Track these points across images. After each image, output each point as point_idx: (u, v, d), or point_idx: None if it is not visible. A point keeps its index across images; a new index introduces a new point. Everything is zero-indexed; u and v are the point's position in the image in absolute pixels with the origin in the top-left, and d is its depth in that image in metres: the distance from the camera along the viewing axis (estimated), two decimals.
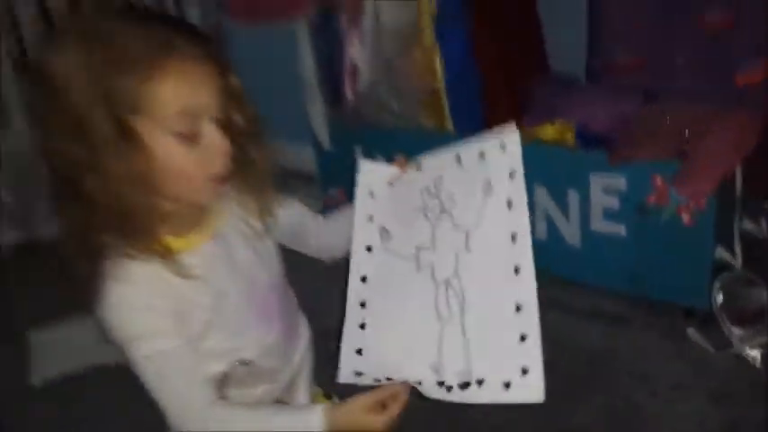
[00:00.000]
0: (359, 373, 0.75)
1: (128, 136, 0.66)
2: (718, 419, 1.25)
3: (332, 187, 2.25)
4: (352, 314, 0.79)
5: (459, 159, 0.79)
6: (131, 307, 0.71)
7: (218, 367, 0.77)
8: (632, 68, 1.42)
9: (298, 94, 2.19)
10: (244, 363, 0.79)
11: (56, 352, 1.76)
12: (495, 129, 0.78)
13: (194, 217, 0.77)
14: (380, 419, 0.71)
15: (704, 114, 1.32)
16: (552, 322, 1.54)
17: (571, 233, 1.69)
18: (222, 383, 0.78)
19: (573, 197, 1.66)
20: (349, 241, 0.85)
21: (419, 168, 0.82)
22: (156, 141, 0.67)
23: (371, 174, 0.85)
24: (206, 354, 0.76)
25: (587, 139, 1.65)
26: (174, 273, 0.72)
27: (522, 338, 0.67)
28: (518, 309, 0.68)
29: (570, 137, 1.66)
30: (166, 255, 0.72)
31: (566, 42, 1.82)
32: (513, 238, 0.71)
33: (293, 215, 0.89)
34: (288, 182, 0.87)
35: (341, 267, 0.84)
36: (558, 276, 1.75)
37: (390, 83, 1.98)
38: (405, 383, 0.72)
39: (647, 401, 1.33)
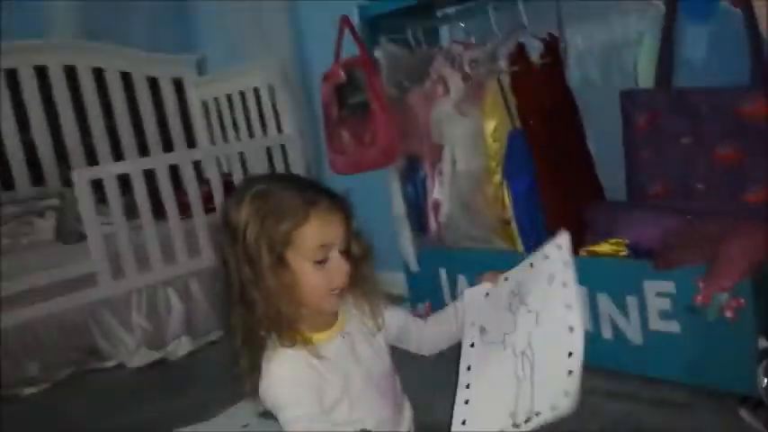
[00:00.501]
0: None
1: (281, 263, 0.99)
2: None
3: (420, 303, 2.60)
4: (460, 394, 1.04)
5: (531, 265, 1.11)
6: (283, 381, 0.99)
7: None
8: (661, 195, 1.75)
9: (390, 227, 2.59)
10: (365, 431, 1.01)
11: None
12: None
13: (327, 318, 1.07)
14: None
15: (725, 226, 1.63)
16: (621, 410, 1.80)
17: (633, 333, 1.96)
18: None
19: (631, 301, 1.94)
20: (444, 338, 1.18)
21: (506, 279, 1.14)
22: (299, 266, 1.00)
23: (472, 293, 1.17)
24: (337, 422, 1.00)
25: (638, 252, 1.96)
26: (313, 355, 1.00)
27: (569, 373, 0.92)
28: (569, 355, 0.94)
29: (623, 250, 1.97)
30: (308, 343, 1.02)
31: (615, 173, 2.18)
32: (568, 307, 1.01)
33: (398, 318, 1.18)
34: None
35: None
36: (624, 372, 2.01)
37: (467, 214, 2.37)
38: None
39: None
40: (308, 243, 0.99)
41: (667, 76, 1.72)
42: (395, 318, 1.18)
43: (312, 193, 1.01)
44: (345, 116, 2.59)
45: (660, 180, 1.73)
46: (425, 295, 2.58)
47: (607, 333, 2.02)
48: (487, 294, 1.16)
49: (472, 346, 1.11)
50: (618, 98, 1.94)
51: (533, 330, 1.01)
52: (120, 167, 3.17)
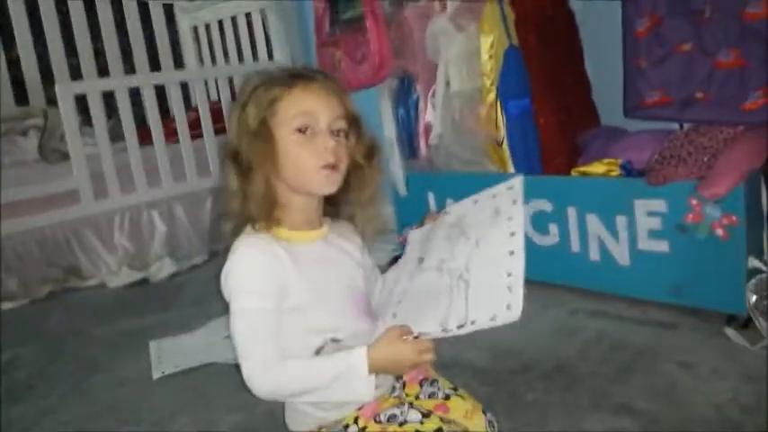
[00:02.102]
0: None
1: (265, 130, 0.95)
2: (749, 393, 1.43)
3: (407, 226, 2.55)
4: (389, 310, 1.02)
5: (475, 201, 1.07)
6: (243, 266, 0.93)
7: (315, 341, 0.96)
8: (659, 104, 1.71)
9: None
10: (335, 340, 0.97)
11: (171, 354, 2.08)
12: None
13: (312, 222, 1.02)
14: (411, 345, 0.91)
15: (722, 136, 1.59)
16: (601, 330, 1.79)
17: (620, 253, 1.93)
18: (315, 355, 0.96)
19: (621, 221, 1.91)
20: None
21: (446, 213, 1.10)
22: (280, 134, 0.96)
23: (415, 233, 1.15)
24: (309, 327, 0.96)
25: (631, 173, 1.93)
26: (287, 251, 0.95)
27: (509, 289, 0.89)
28: (509, 275, 0.91)
29: (616, 170, 1.93)
30: (285, 238, 0.97)
31: (612, 98, 2.14)
32: (512, 234, 0.95)
33: (369, 262, 1.12)
34: None
35: None
36: (610, 293, 2.00)
37: (458, 136, 2.31)
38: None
39: (686, 380, 1.51)
40: (290, 109, 0.96)
41: None
42: (368, 260, 1.13)
43: (305, 70, 1.00)
44: (337, 32, 2.52)
45: (659, 89, 1.68)
46: (413, 220, 2.53)
47: (594, 254, 1.99)
48: (429, 231, 1.13)
49: (408, 275, 1.08)
50: (618, 19, 1.89)
51: (472, 255, 0.99)
52: (105, 84, 3.11)
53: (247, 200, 0.96)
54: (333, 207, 1.06)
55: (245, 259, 0.94)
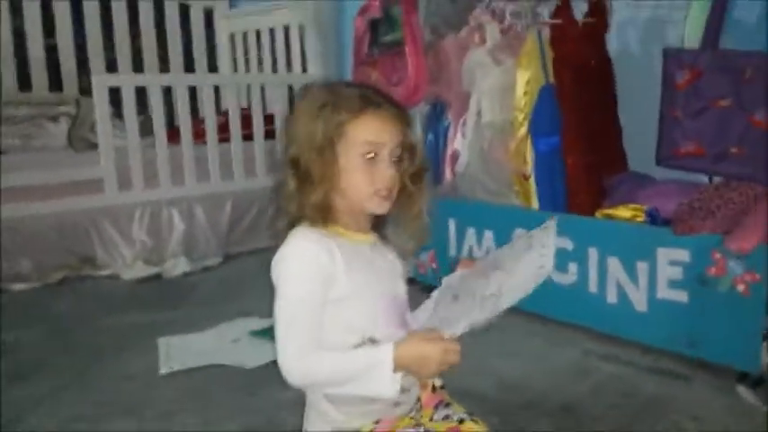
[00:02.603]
0: None
1: (331, 151, 0.98)
2: None
3: (423, 252, 2.57)
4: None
5: (512, 244, 1.09)
6: (296, 255, 0.97)
7: (352, 338, 0.97)
8: (693, 155, 1.72)
9: None
10: (372, 340, 0.98)
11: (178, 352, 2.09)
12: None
13: (363, 226, 1.05)
14: (438, 345, 0.93)
15: (753, 193, 1.60)
16: (612, 374, 1.79)
17: (639, 299, 1.93)
18: None
19: (642, 267, 1.91)
20: None
21: (484, 258, 1.12)
22: (346, 158, 0.99)
23: (449, 278, 1.10)
24: (349, 323, 0.98)
25: (656, 221, 1.93)
26: (338, 246, 0.98)
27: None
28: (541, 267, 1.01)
29: (641, 216, 1.94)
30: (340, 234, 1.01)
31: (642, 146, 2.16)
32: (542, 255, 1.02)
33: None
34: None
35: None
36: (624, 338, 1.99)
37: (486, 166, 2.33)
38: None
39: None
40: (359, 136, 0.99)
41: (714, 38, 1.68)
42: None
43: (373, 94, 1.02)
44: (376, 54, 2.56)
45: (694, 140, 1.69)
46: (430, 244, 2.55)
47: (612, 297, 1.99)
48: (463, 276, 1.14)
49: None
50: (655, 70, 1.92)
51: (505, 280, 1.03)
52: (140, 79, 3.15)
53: (304, 205, 0.99)
54: (377, 218, 1.08)
55: (297, 249, 0.98)
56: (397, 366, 0.93)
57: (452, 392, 1.16)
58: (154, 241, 3.02)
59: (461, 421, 1.06)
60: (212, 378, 1.91)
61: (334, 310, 0.97)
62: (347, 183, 0.99)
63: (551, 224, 1.06)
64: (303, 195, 0.99)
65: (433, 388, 1.16)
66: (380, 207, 1.01)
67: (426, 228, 1.11)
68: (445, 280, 1.13)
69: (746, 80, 1.61)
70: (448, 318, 1.00)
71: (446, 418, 1.07)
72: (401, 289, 1.09)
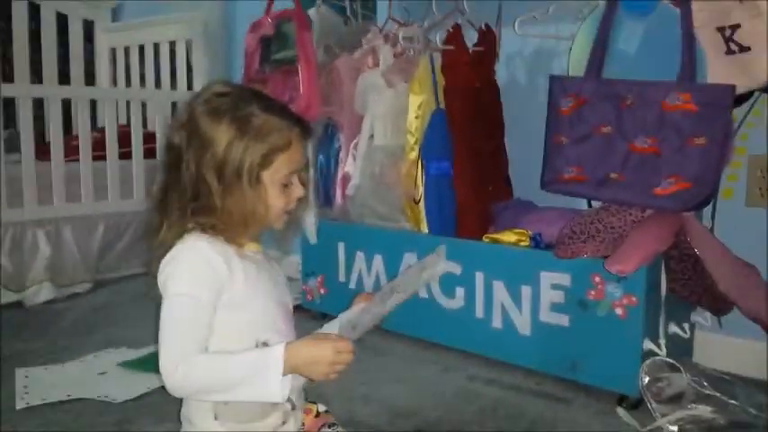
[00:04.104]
0: None
1: (256, 182, 0.97)
2: None
3: (311, 278, 2.50)
4: None
5: (405, 273, 1.13)
6: (189, 256, 0.95)
7: (243, 343, 0.96)
8: (575, 180, 1.77)
9: None
10: (265, 344, 0.97)
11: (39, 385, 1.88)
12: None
13: (255, 234, 1.05)
14: (329, 344, 0.91)
15: (631, 218, 1.66)
16: (497, 398, 1.79)
17: (522, 323, 1.94)
18: None
19: (525, 292, 1.93)
20: None
21: (380, 289, 1.13)
22: (269, 187, 0.99)
23: (345, 315, 1.13)
24: (243, 327, 0.97)
25: (539, 245, 1.97)
26: (238, 255, 0.98)
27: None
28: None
29: (526, 241, 1.97)
30: (236, 243, 1.00)
31: (525, 173, 2.21)
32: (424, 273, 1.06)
33: None
34: None
35: None
36: (509, 363, 2.00)
37: (377, 189, 2.30)
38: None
39: None
40: (284, 168, 1.00)
41: (598, 67, 1.75)
42: None
43: (289, 117, 1.02)
44: (267, 71, 2.48)
45: (576, 165, 1.74)
46: (319, 269, 2.48)
47: (497, 322, 2.00)
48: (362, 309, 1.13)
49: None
50: (540, 100, 1.98)
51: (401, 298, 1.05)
52: (9, 90, 2.88)
53: (214, 211, 0.96)
54: None
55: (188, 251, 0.95)
56: (288, 367, 0.89)
57: (339, 422, 1.13)
58: (14, 266, 2.74)
59: None
60: (76, 413, 1.72)
61: (227, 314, 0.95)
62: (267, 208, 1.00)
63: (442, 250, 1.08)
64: (217, 202, 0.96)
65: (317, 413, 1.12)
66: (284, 223, 1.05)
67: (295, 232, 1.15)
68: (343, 317, 1.10)
69: (627, 106, 1.68)
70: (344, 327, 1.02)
71: None
72: (289, 298, 1.10)
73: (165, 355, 0.89)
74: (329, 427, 1.09)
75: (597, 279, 1.77)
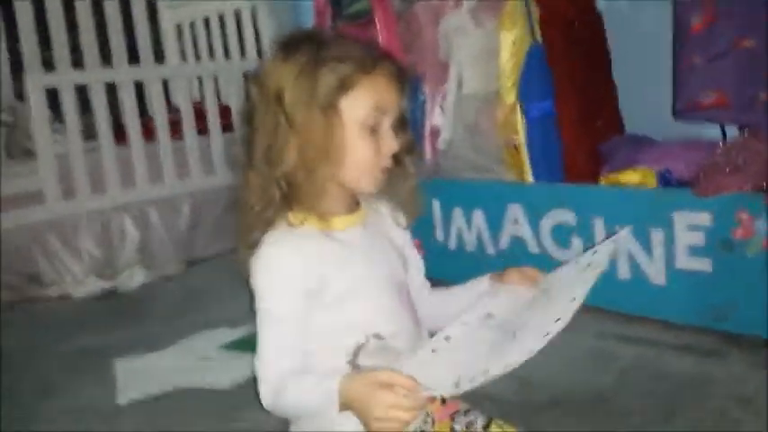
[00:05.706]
0: None
1: (333, 112, 0.82)
2: None
3: None
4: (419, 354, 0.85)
5: (577, 261, 0.93)
6: (270, 264, 0.85)
7: (350, 340, 0.86)
8: (716, 106, 1.54)
9: None
10: (378, 336, 0.87)
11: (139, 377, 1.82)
12: None
13: (350, 204, 0.91)
14: (386, 396, 0.74)
15: None
16: (640, 356, 1.58)
17: (655, 272, 1.74)
18: (355, 355, 0.86)
19: (656, 236, 1.72)
20: (446, 322, 0.91)
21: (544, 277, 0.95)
22: (349, 123, 0.84)
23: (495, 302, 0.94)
24: (346, 324, 0.86)
25: (670, 183, 1.75)
26: (320, 243, 0.85)
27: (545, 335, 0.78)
28: (557, 320, 0.80)
29: (652, 181, 1.75)
30: (324, 224, 0.86)
31: (640, 107, 1.98)
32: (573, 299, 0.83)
33: (418, 268, 1.02)
34: None
35: None
36: (641, 316, 1.80)
37: (471, 140, 2.13)
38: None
39: (746, 419, 1.32)
40: (368, 99, 0.84)
41: None
42: (416, 263, 1.02)
43: (375, 50, 0.89)
44: (339, 28, 2.32)
45: (715, 89, 1.50)
46: (414, 231, 2.33)
47: (624, 273, 1.80)
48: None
49: (465, 324, 0.90)
50: (646, 25, 1.74)
51: (538, 313, 0.86)
52: (80, 77, 2.85)
53: (299, 187, 0.84)
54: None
55: (270, 259, 0.86)
56: (342, 403, 0.78)
57: (466, 397, 0.95)
58: (105, 252, 2.72)
59: (487, 426, 0.93)
60: (181, 405, 1.65)
61: (327, 313, 0.86)
62: (347, 155, 0.84)
63: (622, 236, 0.93)
64: (305, 173, 0.83)
65: (443, 400, 0.97)
66: (376, 184, 0.89)
67: (421, 201, 0.99)
68: (490, 303, 0.93)
69: None
70: (435, 369, 0.81)
71: (469, 425, 0.93)
72: (400, 269, 0.96)
73: (260, 381, 0.85)
74: (464, 414, 0.94)
75: (744, 215, 1.55)
